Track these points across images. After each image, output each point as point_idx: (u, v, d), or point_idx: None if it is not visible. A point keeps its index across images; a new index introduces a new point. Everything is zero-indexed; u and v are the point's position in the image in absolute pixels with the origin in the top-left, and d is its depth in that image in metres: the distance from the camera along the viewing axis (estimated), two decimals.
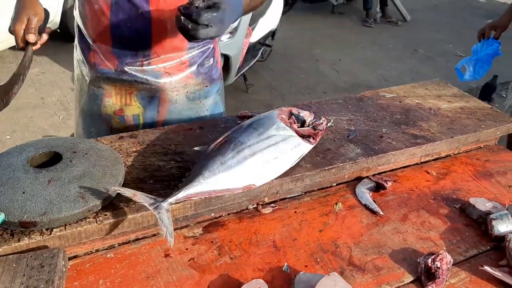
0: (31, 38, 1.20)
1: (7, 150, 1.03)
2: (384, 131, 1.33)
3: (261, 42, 4.61)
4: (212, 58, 1.49)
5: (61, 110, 4.08)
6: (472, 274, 0.97)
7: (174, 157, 1.14)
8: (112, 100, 1.42)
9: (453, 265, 0.99)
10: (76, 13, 1.43)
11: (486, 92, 4.60)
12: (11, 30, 1.20)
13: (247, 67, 4.40)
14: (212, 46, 1.47)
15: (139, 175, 1.06)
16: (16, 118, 3.89)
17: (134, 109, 1.43)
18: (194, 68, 1.44)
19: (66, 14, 5.06)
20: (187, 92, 1.46)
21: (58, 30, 5.17)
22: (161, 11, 1.29)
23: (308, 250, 0.99)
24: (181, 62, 1.41)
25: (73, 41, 5.23)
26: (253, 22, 4.22)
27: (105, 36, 1.34)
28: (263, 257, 0.96)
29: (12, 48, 4.83)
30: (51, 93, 4.36)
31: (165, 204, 0.91)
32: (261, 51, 4.73)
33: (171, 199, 0.92)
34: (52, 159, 1.02)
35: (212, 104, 1.53)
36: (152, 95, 1.42)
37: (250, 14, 4.47)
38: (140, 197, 0.92)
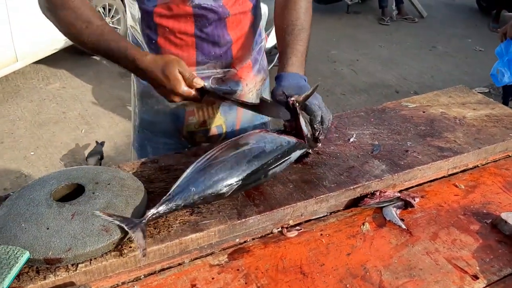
0: (200, 82, 1.17)
1: (29, 183, 1.03)
2: (409, 145, 1.29)
3: (277, 47, 4.59)
4: (262, 52, 1.57)
5: (83, 124, 4.13)
6: None
7: None
8: (195, 117, 1.45)
9: (487, 285, 0.96)
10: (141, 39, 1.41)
11: (508, 92, 4.48)
12: (179, 93, 1.14)
13: None
14: (264, 41, 1.54)
15: None
16: (39, 134, 3.95)
17: (217, 121, 1.48)
18: (256, 66, 1.52)
19: None
20: (257, 90, 1.54)
21: None
22: (240, 33, 1.38)
23: (337, 275, 0.96)
24: (247, 64, 1.48)
25: (92, 54, 5.33)
26: (268, 28, 4.20)
27: (191, 61, 1.35)
28: (290, 284, 0.94)
29: (34, 63, 4.92)
30: (73, 107, 4.42)
31: (141, 225, 0.92)
32: (277, 56, 4.71)
33: (147, 218, 0.94)
34: (75, 191, 1.02)
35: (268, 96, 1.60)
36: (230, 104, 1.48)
37: (265, 20, 4.46)
38: (118, 219, 0.92)
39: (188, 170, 1.06)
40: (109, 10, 5.55)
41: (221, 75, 1.42)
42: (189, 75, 1.15)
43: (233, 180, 1.04)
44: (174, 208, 0.98)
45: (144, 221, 0.93)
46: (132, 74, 1.47)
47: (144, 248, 0.89)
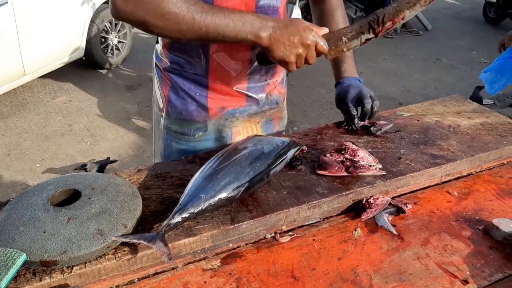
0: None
1: (29, 189, 1.06)
2: (402, 152, 1.31)
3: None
4: None
5: (88, 136, 4.18)
6: None
7: None
8: (241, 137, 1.45)
9: None
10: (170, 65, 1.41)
11: None
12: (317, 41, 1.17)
13: None
14: None
15: (156, 208, 1.08)
16: (45, 146, 4.00)
17: None
18: (281, 79, 1.55)
19: (91, 42, 5.21)
20: (284, 102, 1.60)
21: (83, 58, 5.32)
22: None
23: (327, 279, 0.98)
24: (283, 76, 1.54)
25: (98, 68, 5.39)
26: None
27: (243, 81, 1.39)
28: None
29: (41, 77, 4.99)
30: (78, 120, 4.47)
31: (159, 236, 0.94)
32: None
33: (163, 229, 0.95)
34: (72, 196, 1.04)
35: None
36: (272, 118, 1.52)
37: None
38: (136, 238, 0.94)
39: (193, 179, 1.08)
40: (116, 24, 5.64)
41: (271, 86, 1.45)
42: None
43: (240, 183, 1.07)
44: (187, 217, 0.99)
45: (160, 233, 0.94)
46: (158, 107, 1.47)
47: (168, 254, 0.92)
